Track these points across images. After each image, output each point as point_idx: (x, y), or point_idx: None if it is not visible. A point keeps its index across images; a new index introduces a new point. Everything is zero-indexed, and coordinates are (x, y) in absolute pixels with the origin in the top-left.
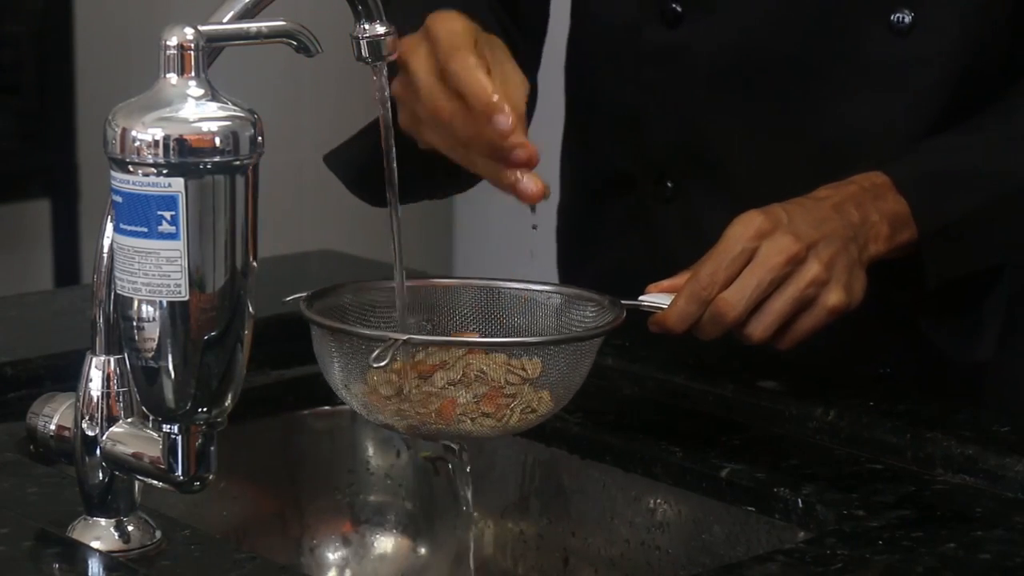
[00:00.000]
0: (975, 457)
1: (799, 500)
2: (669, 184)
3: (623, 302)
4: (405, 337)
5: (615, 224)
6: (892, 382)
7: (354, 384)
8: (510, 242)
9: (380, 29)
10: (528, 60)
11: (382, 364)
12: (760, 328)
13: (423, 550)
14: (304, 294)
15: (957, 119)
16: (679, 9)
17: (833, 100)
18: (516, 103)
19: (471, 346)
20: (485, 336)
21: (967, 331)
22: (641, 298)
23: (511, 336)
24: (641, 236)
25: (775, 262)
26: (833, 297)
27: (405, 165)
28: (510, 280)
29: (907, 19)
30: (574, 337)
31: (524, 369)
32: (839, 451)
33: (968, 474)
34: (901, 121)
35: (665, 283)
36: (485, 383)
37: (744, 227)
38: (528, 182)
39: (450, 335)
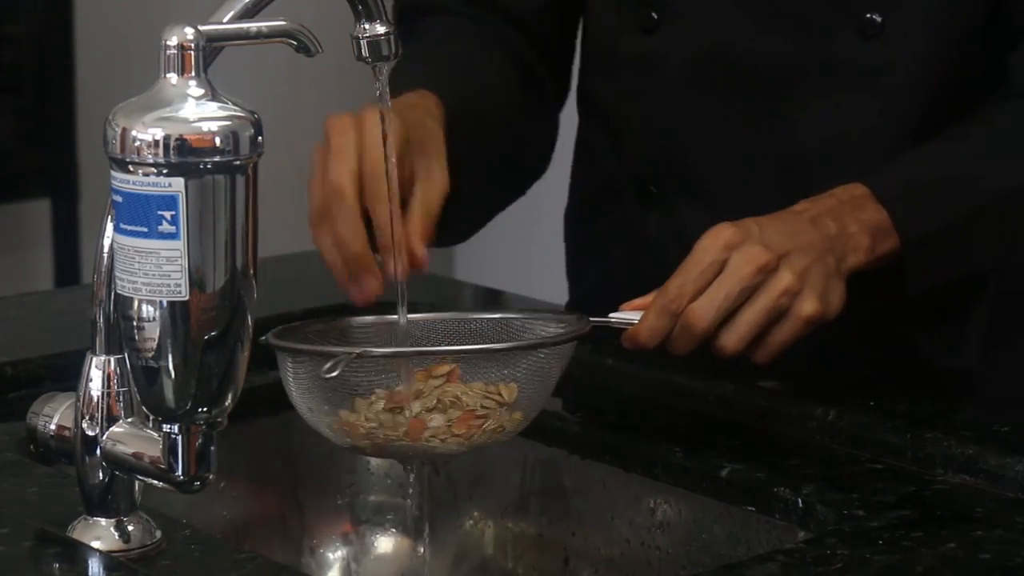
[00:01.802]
0: (975, 457)
1: (799, 500)
2: (653, 190)
3: (592, 319)
4: (360, 351)
5: (609, 231)
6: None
7: (319, 409)
8: (510, 242)
9: (380, 29)
10: (553, 93)
11: (332, 375)
12: (733, 339)
13: (423, 550)
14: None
15: (934, 122)
16: (655, 16)
17: (805, 105)
18: (429, 207)
19: (427, 355)
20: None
21: (952, 338)
22: (612, 315)
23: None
24: (630, 244)
25: (745, 272)
26: (807, 306)
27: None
28: (479, 312)
29: (877, 22)
30: (535, 343)
31: (500, 394)
32: (839, 451)
33: (968, 474)
34: (873, 125)
35: (637, 301)
36: (460, 408)
37: (713, 239)
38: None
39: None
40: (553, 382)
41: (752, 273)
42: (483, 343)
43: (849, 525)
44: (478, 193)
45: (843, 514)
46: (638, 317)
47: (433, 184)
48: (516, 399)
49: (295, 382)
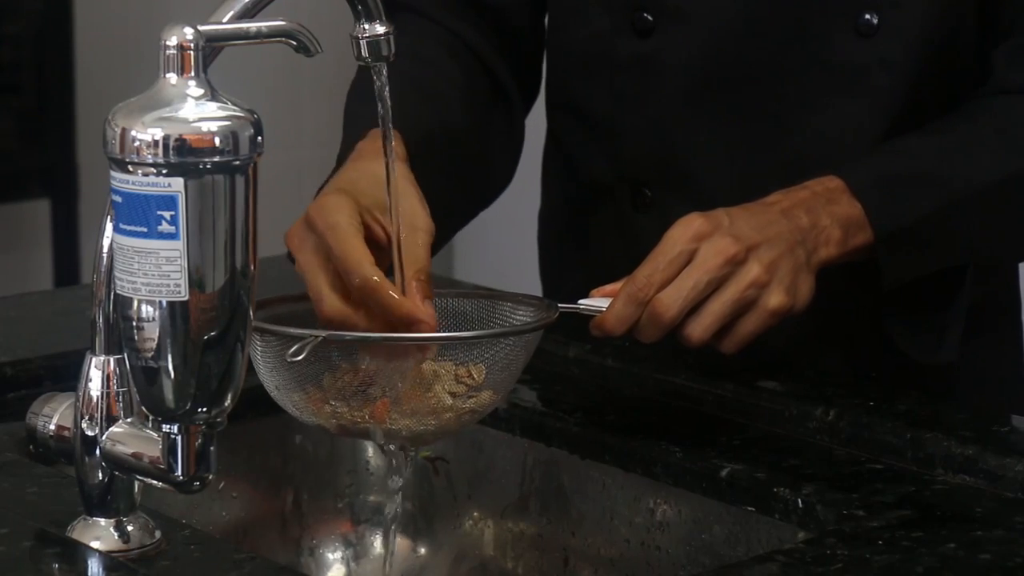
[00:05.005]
0: (975, 457)
1: (799, 500)
2: (647, 192)
3: (560, 306)
4: (325, 334)
5: (597, 233)
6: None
7: (287, 388)
8: (510, 241)
9: (380, 29)
10: (523, 96)
11: (297, 359)
12: (699, 329)
13: (423, 550)
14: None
15: (920, 120)
16: (650, 19)
17: (801, 106)
18: (419, 262)
19: (396, 341)
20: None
21: (930, 333)
22: (581, 302)
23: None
24: (622, 245)
25: (713, 263)
26: (774, 299)
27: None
28: (450, 295)
29: (874, 23)
30: (503, 332)
31: (471, 376)
32: (839, 451)
33: (968, 474)
34: (865, 124)
35: (607, 288)
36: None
37: (683, 229)
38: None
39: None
40: (521, 366)
41: (720, 264)
42: (453, 329)
43: (849, 525)
44: (442, 215)
45: (843, 514)
46: (607, 304)
47: (417, 232)
48: (483, 381)
49: (263, 361)
